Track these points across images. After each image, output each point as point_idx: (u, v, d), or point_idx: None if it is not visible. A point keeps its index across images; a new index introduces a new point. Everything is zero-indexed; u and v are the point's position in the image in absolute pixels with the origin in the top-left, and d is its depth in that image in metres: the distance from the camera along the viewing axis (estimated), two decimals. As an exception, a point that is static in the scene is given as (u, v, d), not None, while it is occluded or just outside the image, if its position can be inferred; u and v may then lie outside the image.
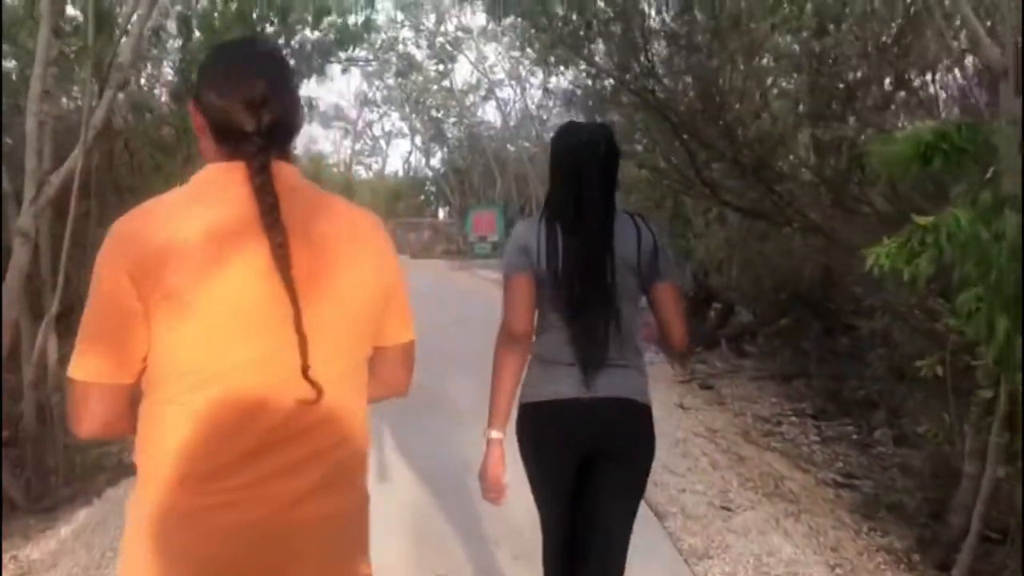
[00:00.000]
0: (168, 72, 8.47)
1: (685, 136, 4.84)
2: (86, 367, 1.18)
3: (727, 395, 6.87)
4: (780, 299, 7.72)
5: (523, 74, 17.77)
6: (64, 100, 5.82)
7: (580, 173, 2.00)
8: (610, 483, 2.03)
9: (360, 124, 27.68)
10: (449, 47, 17.72)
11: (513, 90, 18.52)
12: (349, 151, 31.63)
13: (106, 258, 1.18)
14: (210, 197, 1.21)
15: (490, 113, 26.34)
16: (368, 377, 1.36)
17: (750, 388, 7.15)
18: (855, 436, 5.54)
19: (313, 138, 34.95)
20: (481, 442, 2.03)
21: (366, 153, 31.21)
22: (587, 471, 2.03)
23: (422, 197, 26.59)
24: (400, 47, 17.85)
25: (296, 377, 1.19)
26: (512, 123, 18.82)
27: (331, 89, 36.23)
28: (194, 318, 1.16)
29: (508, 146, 20.18)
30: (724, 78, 4.58)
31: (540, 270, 1.97)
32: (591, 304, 1.95)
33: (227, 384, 1.19)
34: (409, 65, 18.65)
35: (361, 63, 13.14)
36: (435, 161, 23.32)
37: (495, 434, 2.01)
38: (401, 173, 28.14)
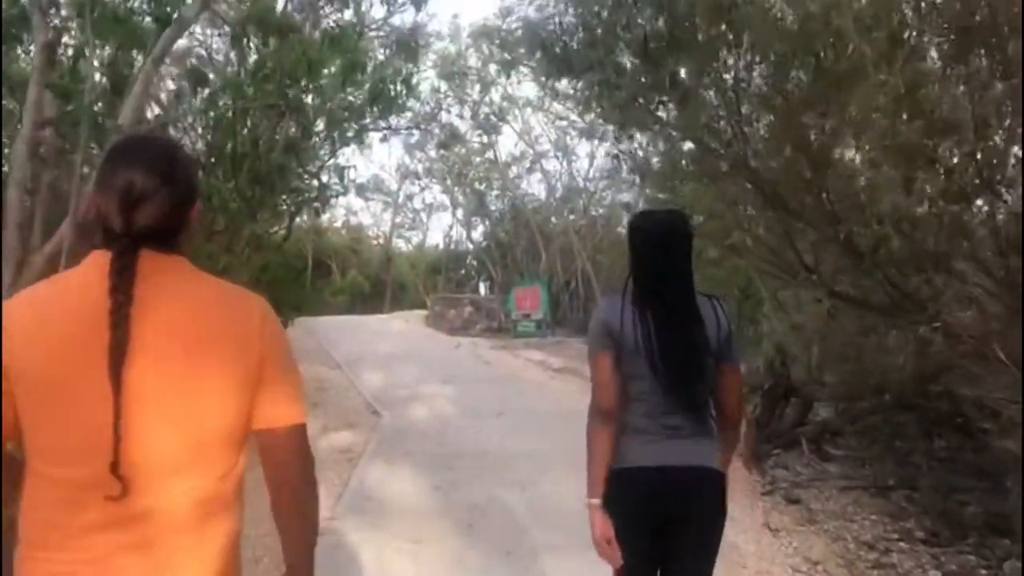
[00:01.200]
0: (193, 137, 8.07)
1: (783, 212, 4.09)
2: None
3: (818, 511, 5.90)
4: (872, 395, 6.80)
5: (570, 145, 17.39)
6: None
7: (664, 257, 2.27)
8: (689, 541, 2.29)
9: (401, 196, 27.58)
10: (494, 117, 17.40)
11: (559, 161, 18.09)
12: (389, 224, 31.54)
13: None
14: (78, 286, 1.33)
15: (534, 185, 25.93)
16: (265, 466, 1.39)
17: (843, 502, 6.18)
18: (983, 572, 4.61)
19: (352, 209, 35.14)
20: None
21: (406, 226, 31.08)
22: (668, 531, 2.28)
23: (463, 271, 26.08)
24: (443, 116, 17.64)
25: (105, 473, 1.25)
26: (557, 195, 18.32)
27: (372, 160, 36.54)
28: (40, 401, 1.29)
29: (553, 219, 19.68)
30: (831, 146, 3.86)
31: (628, 348, 2.21)
32: (686, 380, 2.21)
33: (63, 466, 1.29)
34: (452, 136, 18.35)
35: (403, 132, 12.81)
36: (477, 234, 22.92)
37: (595, 501, 2.25)
38: (441, 246, 27.80)
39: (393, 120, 12.21)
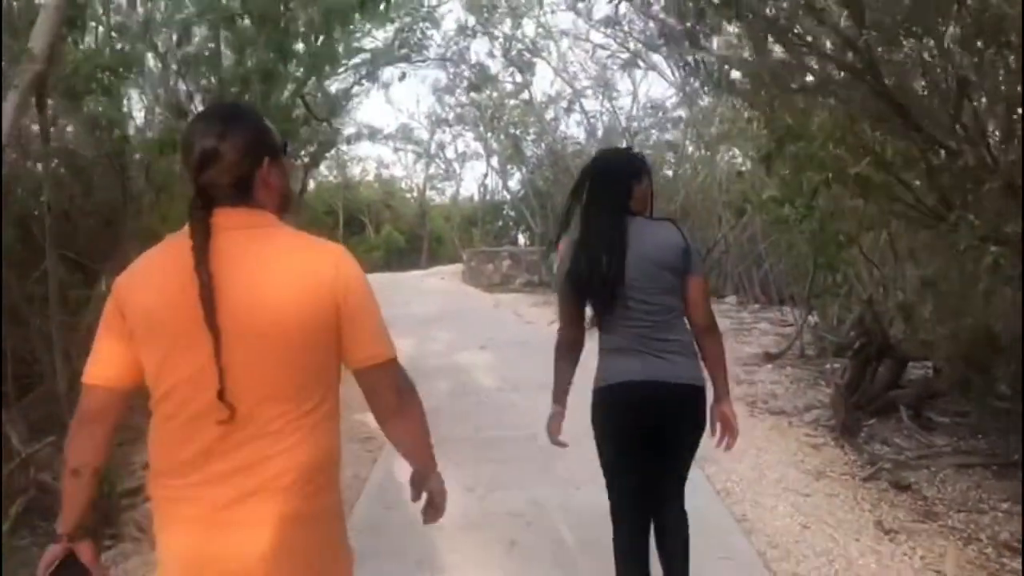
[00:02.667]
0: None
1: (927, 137, 3.01)
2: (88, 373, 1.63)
3: (935, 500, 4.91)
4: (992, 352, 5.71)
5: (611, 80, 16.14)
6: None
7: (590, 192, 2.75)
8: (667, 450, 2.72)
9: (432, 146, 26.55)
10: (527, 53, 16.13)
11: (599, 100, 16.82)
12: (422, 175, 30.61)
13: (108, 301, 1.61)
14: (176, 243, 1.56)
15: (573, 127, 24.66)
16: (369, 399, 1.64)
17: (962, 485, 5.18)
18: None
19: (384, 162, 34.17)
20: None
21: (440, 177, 30.09)
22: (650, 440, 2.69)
23: (500, 223, 25.05)
24: (472, 55, 16.49)
25: (214, 400, 1.49)
26: (599, 136, 17.12)
27: (400, 108, 35.27)
28: (152, 343, 1.55)
29: (594, 163, 18.48)
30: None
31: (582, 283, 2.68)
32: (613, 305, 2.63)
33: (174, 399, 1.54)
34: (483, 77, 17.15)
35: (419, 64, 11.67)
36: (513, 183, 21.80)
37: (556, 408, 2.86)
38: (476, 197, 26.74)
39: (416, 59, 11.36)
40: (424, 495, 1.81)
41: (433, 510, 1.83)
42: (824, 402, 7.11)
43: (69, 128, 6.53)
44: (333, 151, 20.74)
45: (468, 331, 10.52)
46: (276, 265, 1.54)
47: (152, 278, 1.57)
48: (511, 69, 16.88)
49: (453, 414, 6.58)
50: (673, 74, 13.90)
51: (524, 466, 5.22)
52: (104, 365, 1.61)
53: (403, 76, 11.52)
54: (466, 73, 17.66)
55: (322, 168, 32.42)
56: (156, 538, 1.62)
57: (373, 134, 22.56)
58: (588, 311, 2.80)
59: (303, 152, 8.88)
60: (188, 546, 1.55)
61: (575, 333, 2.78)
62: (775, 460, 5.40)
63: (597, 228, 2.67)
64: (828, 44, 3.34)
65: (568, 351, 2.80)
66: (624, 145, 17.61)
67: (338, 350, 1.58)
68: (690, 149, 17.11)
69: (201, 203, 1.55)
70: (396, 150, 29.71)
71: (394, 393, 1.62)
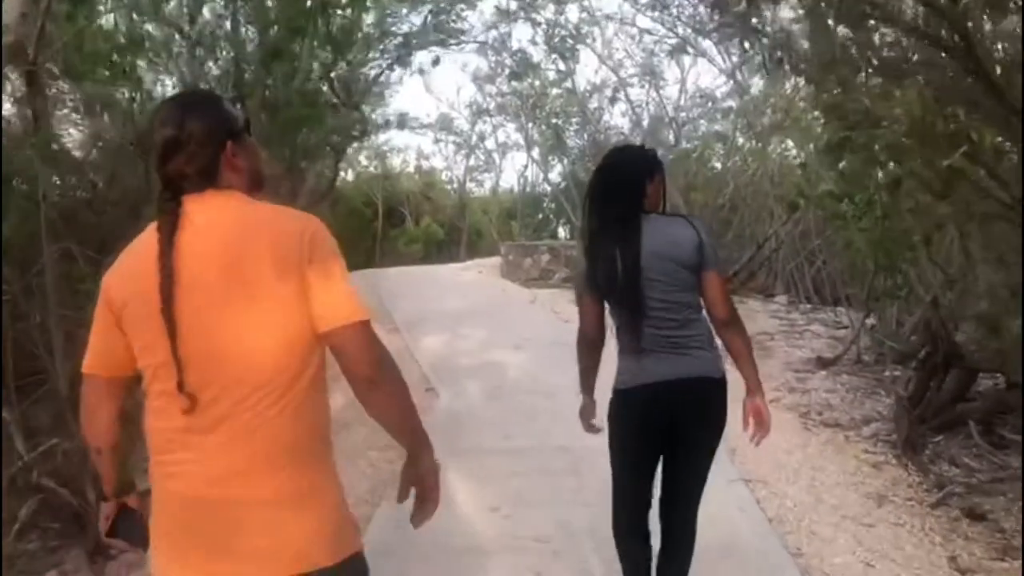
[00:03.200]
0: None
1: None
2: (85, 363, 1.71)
3: (1016, 534, 4.38)
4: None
5: (657, 68, 15.57)
6: None
7: (602, 192, 2.78)
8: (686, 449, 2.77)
9: (473, 137, 26.18)
10: (570, 40, 15.61)
11: (645, 89, 16.25)
12: (463, 167, 30.30)
13: (100, 292, 1.68)
14: (149, 233, 1.61)
15: (617, 118, 24.05)
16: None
17: (1048, 515, 4.62)
18: None
19: (424, 153, 33.91)
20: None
21: (480, 168, 29.74)
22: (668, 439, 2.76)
23: (539, 216, 24.60)
24: (513, 43, 16.05)
25: (192, 384, 1.56)
26: (644, 126, 16.58)
27: (441, 98, 34.74)
28: (133, 331, 1.62)
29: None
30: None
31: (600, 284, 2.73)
32: (635, 305, 2.65)
33: (157, 381, 1.61)
34: (524, 64, 16.70)
35: (455, 46, 11.24)
36: (554, 175, 21.33)
37: (585, 397, 3.00)
38: (516, 189, 26.30)
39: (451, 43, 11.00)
40: (412, 490, 1.72)
41: (421, 505, 1.72)
42: (884, 414, 6.59)
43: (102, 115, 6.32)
44: (368, 140, 20.56)
45: (503, 329, 10.13)
46: (244, 239, 1.55)
47: (129, 269, 1.63)
48: (553, 56, 16.40)
49: (482, 420, 6.21)
50: (724, 60, 13.30)
51: (553, 481, 4.82)
52: (98, 354, 1.69)
53: (437, 61, 11.20)
54: (507, 61, 17.26)
55: (361, 159, 32.47)
56: (151, 516, 1.67)
57: (404, 121, 22.19)
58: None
59: (331, 140, 8.56)
60: (177, 521, 1.60)
61: (595, 333, 2.83)
62: (832, 482, 4.92)
63: (612, 228, 2.71)
64: (911, 14, 2.88)
65: (589, 351, 2.87)
66: (671, 137, 17.15)
67: (310, 318, 1.57)
68: (740, 140, 16.48)
69: (169, 194, 1.60)
70: (436, 140, 29.37)
71: (367, 358, 1.57)
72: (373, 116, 17.83)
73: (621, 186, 2.75)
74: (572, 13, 15.57)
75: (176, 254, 1.55)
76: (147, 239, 1.61)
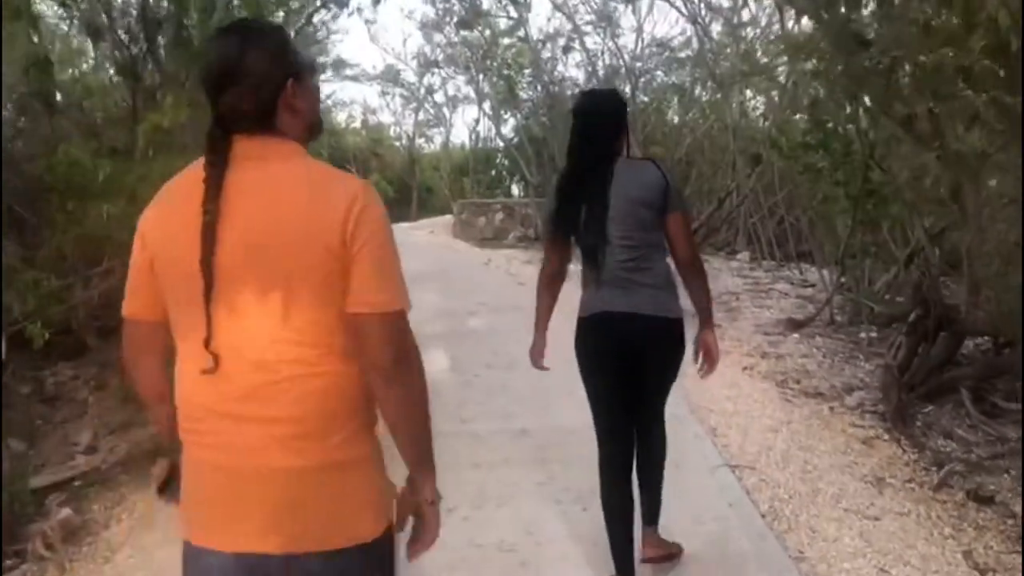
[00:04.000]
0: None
1: None
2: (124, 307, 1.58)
3: (1031, 519, 3.98)
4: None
5: (614, 16, 14.84)
6: None
7: (576, 133, 2.94)
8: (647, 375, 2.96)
9: (422, 90, 25.15)
10: None
11: (602, 38, 15.50)
12: (412, 122, 29.34)
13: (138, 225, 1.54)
14: (192, 171, 1.49)
15: (572, 69, 23.31)
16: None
17: (1057, 495, 4.25)
18: None
19: (370, 107, 32.61)
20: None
21: (430, 123, 28.77)
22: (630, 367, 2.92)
23: (492, 172, 23.85)
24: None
25: (220, 346, 1.43)
26: (600, 78, 15.89)
27: (387, 48, 32.91)
28: (166, 279, 1.50)
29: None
30: None
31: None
32: (596, 242, 2.82)
33: (189, 343, 1.47)
34: (474, 12, 15.81)
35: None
36: (507, 129, 20.55)
37: (537, 335, 3.16)
38: (468, 144, 25.42)
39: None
40: (410, 519, 1.65)
41: (417, 538, 1.65)
42: (866, 381, 6.19)
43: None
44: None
45: (456, 294, 9.55)
46: (289, 199, 1.44)
47: (166, 210, 1.52)
48: (504, 2, 15.53)
49: (434, 400, 5.62)
50: (686, 3, 12.62)
51: (518, 473, 4.29)
52: (137, 296, 1.57)
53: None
54: (455, 7, 16.35)
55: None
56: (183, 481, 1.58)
57: (340, 65, 21.19)
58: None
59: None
60: (215, 491, 1.50)
61: (557, 266, 3.05)
62: (825, 464, 4.47)
63: (586, 169, 2.88)
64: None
65: (550, 282, 3.08)
66: (627, 88, 16.52)
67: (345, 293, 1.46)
68: (698, 91, 15.93)
69: (220, 131, 1.49)
70: (383, 94, 28.32)
71: (389, 352, 1.46)
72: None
73: (596, 129, 2.90)
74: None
75: (222, 200, 1.42)
76: (192, 177, 1.47)
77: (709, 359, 3.02)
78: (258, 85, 1.47)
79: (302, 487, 1.46)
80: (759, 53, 12.60)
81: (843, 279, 8.43)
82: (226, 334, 1.43)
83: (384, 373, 1.46)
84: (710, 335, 3.01)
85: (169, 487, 1.79)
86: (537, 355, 3.15)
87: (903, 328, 5.98)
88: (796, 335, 8.08)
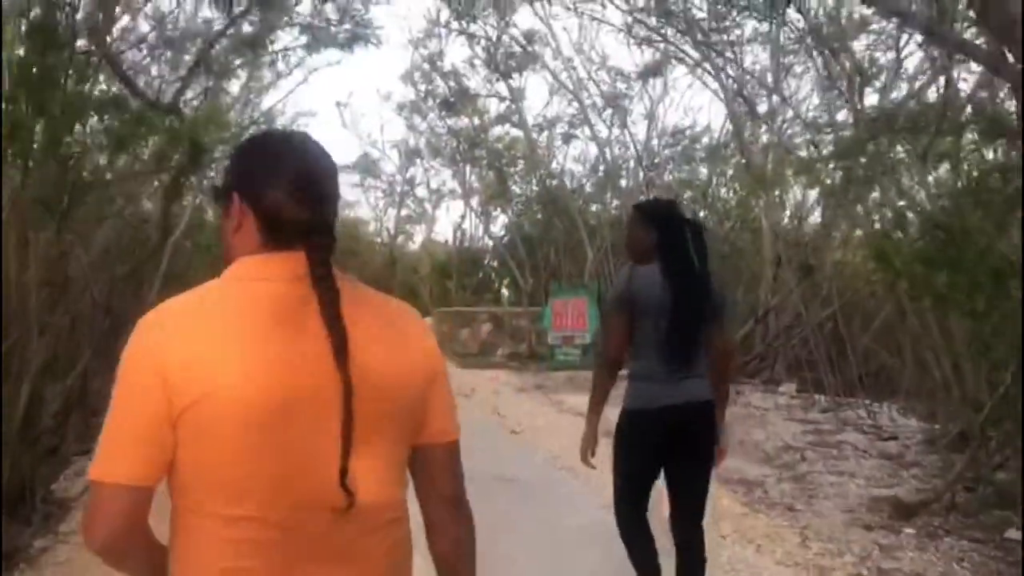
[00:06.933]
0: None
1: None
2: (111, 468, 1.22)
3: None
4: None
5: (625, 95, 12.90)
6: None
7: (690, 242, 3.20)
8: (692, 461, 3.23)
9: (400, 183, 23.25)
10: (520, 50, 12.73)
11: (607, 124, 13.53)
12: (393, 218, 27.45)
13: (132, 357, 1.23)
14: (250, 292, 1.25)
15: (571, 162, 21.47)
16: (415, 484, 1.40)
17: None
18: None
19: (347, 201, 30.29)
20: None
21: (412, 218, 26.82)
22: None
23: (479, 275, 21.67)
24: (447, 61, 13.23)
25: (331, 486, 1.22)
26: (602, 170, 13.92)
27: (362, 135, 30.30)
28: (231, 424, 1.20)
29: (597, 205, 15.31)
30: None
31: (645, 312, 3.13)
32: (690, 340, 3.13)
33: (263, 498, 1.22)
34: (459, 91, 13.90)
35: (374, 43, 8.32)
36: (496, 227, 18.50)
37: (592, 418, 3.30)
38: (451, 243, 23.26)
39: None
40: None
41: None
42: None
43: None
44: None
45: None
46: (386, 321, 1.36)
47: (228, 336, 1.23)
48: (496, 78, 13.57)
49: None
50: (726, 74, 10.60)
51: None
52: (136, 459, 1.23)
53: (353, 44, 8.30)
54: (440, 88, 14.45)
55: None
56: None
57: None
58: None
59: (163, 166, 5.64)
60: None
61: (620, 354, 3.24)
62: None
63: (687, 272, 3.17)
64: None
65: (611, 373, 3.25)
66: (640, 180, 14.62)
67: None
68: (722, 189, 13.93)
69: (322, 242, 1.31)
70: (356, 185, 26.44)
71: (455, 483, 1.39)
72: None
73: (689, 235, 3.21)
74: (523, 18, 12.71)
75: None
76: (263, 303, 1.24)
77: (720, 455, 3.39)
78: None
79: None
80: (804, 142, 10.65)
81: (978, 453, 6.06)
82: (324, 478, 1.22)
83: (453, 512, 1.39)
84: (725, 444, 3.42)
85: None
86: (590, 449, 3.29)
87: None
88: (911, 529, 5.67)
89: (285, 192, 1.26)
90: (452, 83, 13.96)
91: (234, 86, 14.58)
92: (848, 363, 10.33)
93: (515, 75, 13.15)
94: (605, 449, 3.33)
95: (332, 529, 1.24)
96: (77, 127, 4.49)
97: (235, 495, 1.22)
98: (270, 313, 1.22)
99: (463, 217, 24.52)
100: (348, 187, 28.88)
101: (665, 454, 3.18)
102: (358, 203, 30.12)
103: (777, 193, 11.01)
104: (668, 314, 3.06)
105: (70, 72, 4.12)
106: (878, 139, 7.20)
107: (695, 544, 3.29)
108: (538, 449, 7.45)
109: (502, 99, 14.29)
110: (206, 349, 1.19)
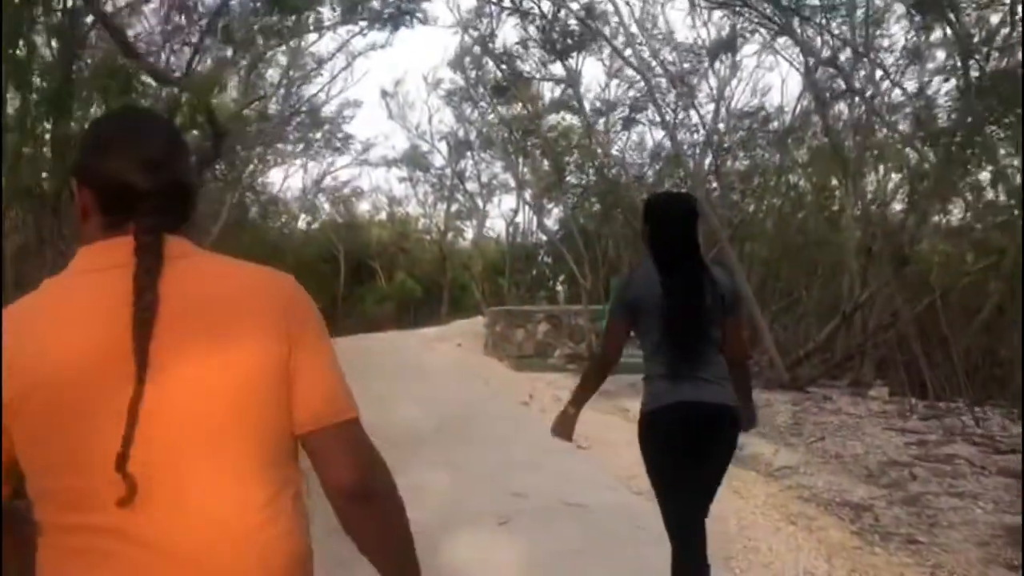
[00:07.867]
0: None
1: None
2: None
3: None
4: None
5: (689, 75, 11.98)
6: None
7: (680, 234, 3.14)
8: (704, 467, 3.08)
9: (450, 176, 22.57)
10: (578, 27, 11.89)
11: (672, 107, 12.59)
12: (443, 212, 26.89)
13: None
14: (84, 284, 1.21)
15: (630, 149, 20.53)
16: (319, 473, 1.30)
17: None
18: None
19: (396, 198, 29.79)
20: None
21: (462, 214, 26.17)
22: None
23: (534, 271, 20.89)
24: (497, 46, 12.45)
25: (113, 475, 1.12)
26: (662, 156, 13.03)
27: (409, 127, 29.33)
28: (38, 429, 1.15)
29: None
30: None
31: (646, 311, 3.04)
32: (694, 337, 3.04)
33: (76, 510, 1.16)
34: (511, 75, 13.11)
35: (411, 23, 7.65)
36: (551, 220, 17.70)
37: (570, 409, 3.20)
38: (505, 239, 22.47)
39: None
40: None
41: None
42: None
43: None
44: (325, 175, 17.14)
45: (480, 471, 6.39)
46: (234, 298, 1.26)
47: (53, 341, 1.20)
48: (551, 59, 12.69)
49: None
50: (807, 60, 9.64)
51: None
52: None
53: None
54: (492, 72, 13.68)
55: (326, 205, 28.95)
56: None
57: (345, 146, 18.81)
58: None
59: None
60: None
61: (616, 356, 3.16)
62: None
63: (682, 267, 3.09)
64: None
65: (602, 372, 3.24)
66: (709, 165, 13.71)
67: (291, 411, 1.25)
68: (794, 176, 12.91)
69: (154, 213, 1.28)
70: (403, 179, 25.80)
71: (359, 464, 1.26)
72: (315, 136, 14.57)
73: (694, 234, 3.15)
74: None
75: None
76: (85, 295, 1.19)
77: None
78: (192, 169, 1.46)
79: None
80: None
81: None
82: (137, 460, 1.16)
83: (356, 496, 1.26)
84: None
85: None
86: (569, 427, 3.22)
87: None
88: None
89: (113, 164, 1.22)
90: (504, 66, 13.19)
91: (273, 74, 14.01)
92: (949, 363, 9.31)
93: (572, 55, 12.31)
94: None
95: (180, 539, 1.13)
96: (79, 112, 4.04)
97: (65, 501, 1.16)
98: (97, 304, 1.17)
99: (515, 211, 23.81)
100: (396, 181, 28.38)
101: (679, 449, 3.03)
102: (407, 199, 29.64)
103: (867, 177, 10.01)
104: (665, 312, 3.00)
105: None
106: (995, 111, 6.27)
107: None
108: (608, 467, 6.65)
109: (558, 82, 13.48)
110: (30, 345, 1.15)
